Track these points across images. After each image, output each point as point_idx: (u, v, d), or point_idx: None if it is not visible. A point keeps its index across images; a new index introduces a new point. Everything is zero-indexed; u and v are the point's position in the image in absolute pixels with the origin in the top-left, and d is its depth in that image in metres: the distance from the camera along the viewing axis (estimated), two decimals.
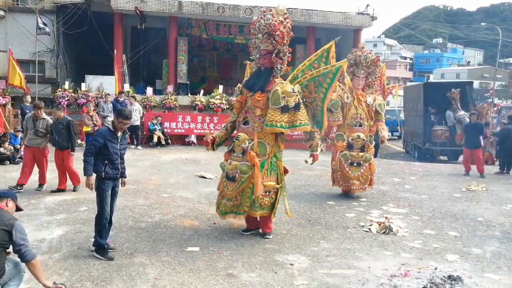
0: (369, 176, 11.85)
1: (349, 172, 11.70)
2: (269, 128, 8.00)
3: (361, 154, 11.65)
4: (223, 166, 8.43)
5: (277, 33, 8.04)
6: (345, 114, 11.77)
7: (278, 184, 8.37)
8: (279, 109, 8.00)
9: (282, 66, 8.28)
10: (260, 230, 8.63)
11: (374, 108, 12.04)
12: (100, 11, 24.02)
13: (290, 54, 8.42)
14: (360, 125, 11.78)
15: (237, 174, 8.07)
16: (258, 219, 8.55)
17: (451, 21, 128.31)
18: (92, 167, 7.23)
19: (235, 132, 8.71)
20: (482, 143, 17.17)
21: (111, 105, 18.84)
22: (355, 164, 11.67)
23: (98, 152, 7.18)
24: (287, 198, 8.72)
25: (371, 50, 12.44)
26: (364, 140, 11.68)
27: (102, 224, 7.22)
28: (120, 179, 7.59)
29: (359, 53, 11.93)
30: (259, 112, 8.16)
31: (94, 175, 7.24)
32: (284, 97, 8.00)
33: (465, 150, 17.03)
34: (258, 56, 8.42)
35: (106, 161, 7.17)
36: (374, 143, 12.20)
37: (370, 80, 12.09)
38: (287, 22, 8.24)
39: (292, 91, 8.10)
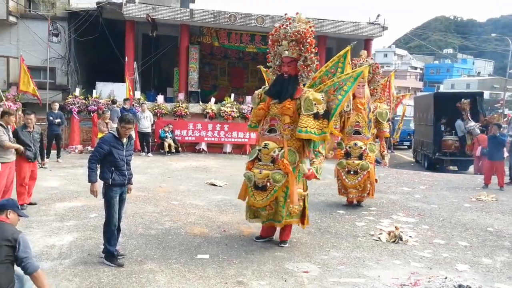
0: (368, 185, 11.71)
1: (346, 180, 11.67)
2: (304, 134, 7.92)
3: (357, 162, 11.54)
4: (250, 175, 8.16)
5: (308, 40, 8.07)
6: (343, 122, 11.73)
7: (304, 191, 8.38)
8: (312, 115, 7.99)
9: (309, 74, 8.29)
10: (278, 238, 8.60)
11: (374, 117, 12.02)
12: (111, 18, 24.15)
13: (318, 62, 8.45)
14: (358, 133, 11.74)
15: (268, 183, 7.96)
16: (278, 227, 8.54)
17: (461, 31, 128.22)
18: (96, 173, 7.21)
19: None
20: (506, 155, 16.72)
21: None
22: (352, 172, 11.61)
23: (104, 159, 7.17)
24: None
25: (372, 58, 12.42)
26: (361, 148, 11.62)
27: (111, 231, 7.23)
28: (127, 185, 7.56)
29: (355, 61, 11.91)
30: (288, 119, 8.13)
31: (97, 182, 7.24)
32: (315, 104, 8.00)
33: (486, 162, 16.70)
34: (278, 63, 8.41)
35: (113, 168, 7.16)
36: (376, 152, 12.08)
37: (372, 88, 12.07)
38: (312, 30, 8.23)
39: (322, 98, 8.14)
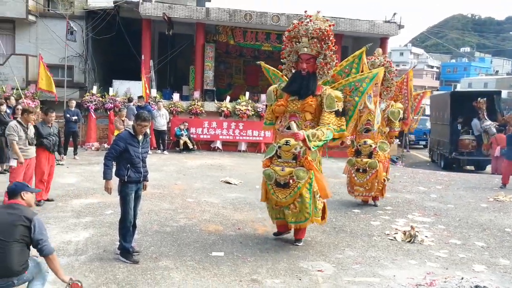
0: (376, 184, 11.59)
1: (355, 178, 11.67)
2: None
3: (365, 160, 11.51)
4: (271, 173, 8.02)
5: (330, 38, 8.11)
6: (356, 121, 11.66)
7: None
8: (334, 112, 8.03)
9: (328, 71, 8.32)
10: (293, 236, 8.58)
11: (386, 116, 11.97)
12: (128, 17, 24.23)
13: (337, 60, 8.47)
14: (369, 131, 11.70)
15: (291, 180, 7.85)
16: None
17: (479, 30, 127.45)
18: (111, 171, 7.28)
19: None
20: None
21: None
22: (360, 171, 11.59)
23: (120, 156, 7.21)
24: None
25: (385, 56, 12.36)
26: (371, 146, 11.56)
27: (126, 227, 7.26)
28: (142, 182, 7.60)
29: (367, 59, 11.75)
30: (310, 116, 8.13)
31: (112, 180, 7.30)
32: (336, 101, 8.03)
33: (504, 162, 16.40)
34: (296, 60, 8.40)
35: (129, 165, 7.19)
36: (387, 150, 11.99)
37: (385, 86, 12.00)
38: (331, 28, 8.24)
39: (341, 96, 8.18)
